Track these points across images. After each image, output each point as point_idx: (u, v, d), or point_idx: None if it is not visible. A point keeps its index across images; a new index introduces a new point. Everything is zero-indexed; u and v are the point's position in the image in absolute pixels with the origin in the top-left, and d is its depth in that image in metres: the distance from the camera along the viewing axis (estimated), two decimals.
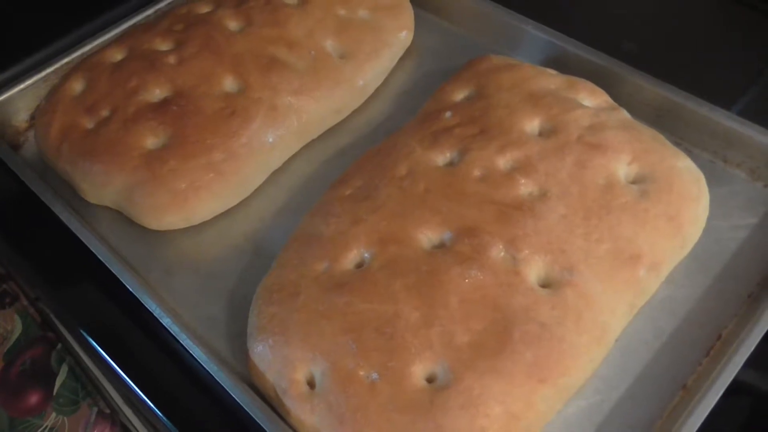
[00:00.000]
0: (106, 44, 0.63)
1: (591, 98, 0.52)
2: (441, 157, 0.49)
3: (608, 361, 0.45)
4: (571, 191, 0.45)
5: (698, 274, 0.48)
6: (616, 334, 0.44)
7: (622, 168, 0.47)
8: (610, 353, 0.44)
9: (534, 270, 0.43)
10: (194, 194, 0.52)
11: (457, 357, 0.40)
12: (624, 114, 0.51)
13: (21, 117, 0.62)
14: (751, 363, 0.42)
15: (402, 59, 0.64)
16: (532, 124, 0.50)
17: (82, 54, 0.64)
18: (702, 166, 0.50)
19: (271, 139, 0.55)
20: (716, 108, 0.54)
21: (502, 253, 0.43)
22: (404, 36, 0.63)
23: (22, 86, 0.62)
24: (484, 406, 0.38)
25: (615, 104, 0.52)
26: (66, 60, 0.63)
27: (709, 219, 0.48)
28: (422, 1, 0.68)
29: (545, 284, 0.43)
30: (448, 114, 0.51)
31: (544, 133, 0.49)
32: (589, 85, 0.53)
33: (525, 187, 0.46)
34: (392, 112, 0.61)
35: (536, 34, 0.61)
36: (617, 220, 0.44)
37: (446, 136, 0.49)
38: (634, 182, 0.47)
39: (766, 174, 0.53)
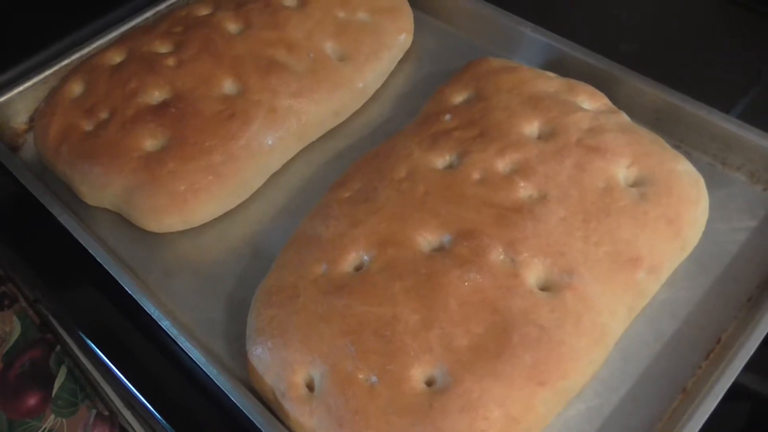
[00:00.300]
0: (105, 46, 0.63)
1: (590, 101, 0.52)
2: (440, 160, 0.49)
3: (608, 364, 0.44)
4: (570, 194, 0.45)
5: (698, 276, 0.48)
6: (616, 337, 0.44)
7: (622, 171, 0.47)
8: (610, 356, 0.44)
9: (533, 273, 0.43)
10: (193, 196, 0.52)
11: (456, 360, 0.40)
12: (623, 117, 0.51)
13: (20, 119, 0.62)
14: (750, 367, 0.42)
15: (401, 61, 0.64)
16: (531, 127, 0.50)
17: (82, 56, 0.64)
18: (701, 169, 0.50)
19: (270, 142, 0.55)
20: (715, 111, 0.53)
21: (502, 256, 0.43)
22: (403, 38, 0.63)
23: (21, 88, 0.62)
24: (483, 409, 0.38)
25: (614, 107, 0.52)
26: (65, 62, 0.63)
27: (709, 222, 0.48)
28: (421, 3, 0.68)
29: (544, 287, 0.43)
30: (447, 116, 0.51)
31: (544, 136, 0.49)
32: (589, 87, 0.53)
33: (524, 189, 0.46)
34: (391, 114, 0.61)
35: (535, 36, 0.61)
36: (616, 222, 0.44)
37: (445, 139, 0.49)
38: (633, 185, 0.47)
39: (765, 177, 0.53)
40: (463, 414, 0.38)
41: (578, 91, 0.52)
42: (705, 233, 0.48)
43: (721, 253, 0.49)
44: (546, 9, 0.67)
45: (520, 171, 0.46)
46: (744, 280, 0.48)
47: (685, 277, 0.48)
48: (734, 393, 0.41)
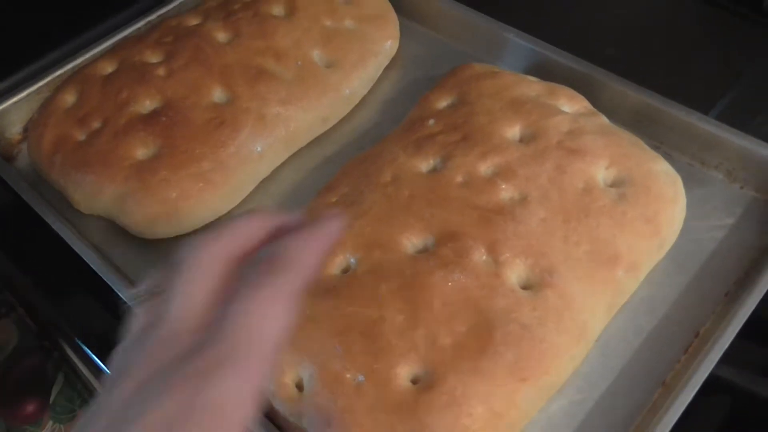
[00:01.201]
0: (97, 57, 0.64)
1: (570, 104, 0.53)
2: (424, 164, 0.50)
3: (589, 360, 0.46)
4: (550, 195, 0.46)
5: (677, 273, 0.50)
6: (597, 334, 0.45)
7: (601, 172, 0.48)
8: (591, 352, 0.46)
9: (515, 272, 0.44)
10: (185, 203, 0.53)
11: (440, 358, 0.41)
12: (603, 119, 0.52)
13: (14, 129, 0.63)
14: (728, 359, 0.43)
15: (387, 68, 0.65)
16: (513, 131, 0.51)
17: (74, 66, 0.64)
18: (680, 168, 0.51)
19: (259, 149, 0.56)
20: (693, 112, 0.55)
21: (484, 257, 0.44)
22: (389, 45, 0.65)
23: (14, 99, 0.62)
24: (467, 405, 0.40)
25: (594, 110, 0.54)
26: (58, 72, 0.64)
27: (688, 220, 0.50)
28: (407, 10, 0.69)
29: (526, 286, 0.44)
30: (431, 121, 0.53)
31: (525, 139, 0.50)
32: (569, 91, 0.54)
33: (506, 192, 0.47)
34: (378, 120, 0.62)
35: (519, 42, 0.62)
36: (596, 222, 0.46)
37: (430, 143, 0.51)
38: (612, 186, 0.48)
39: (742, 176, 0.54)
40: (447, 410, 0.39)
41: (558, 94, 0.53)
42: (684, 231, 0.49)
43: (700, 251, 0.51)
44: (531, 17, 0.68)
45: (502, 174, 0.48)
46: (721, 277, 0.49)
47: (665, 274, 0.49)
48: (714, 386, 0.43)
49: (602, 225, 0.46)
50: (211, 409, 0.27)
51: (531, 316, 0.42)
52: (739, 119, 0.56)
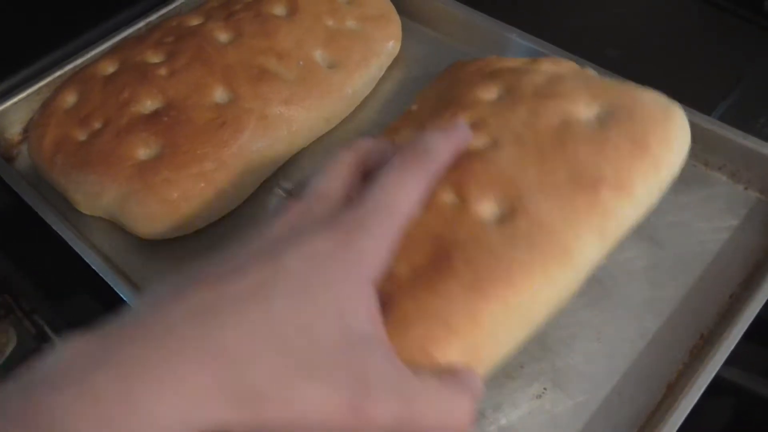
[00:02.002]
0: (98, 57, 0.64)
1: (555, 66, 0.50)
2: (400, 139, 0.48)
3: (594, 361, 0.45)
4: (524, 136, 0.43)
5: (682, 274, 0.49)
6: (588, 260, 0.41)
7: (580, 109, 0.45)
8: (596, 353, 0.45)
9: (483, 206, 0.41)
10: (187, 203, 0.53)
11: (396, 287, 0.38)
12: (590, 71, 0.50)
13: (14, 130, 0.63)
14: (733, 361, 0.43)
15: (390, 68, 0.65)
16: (489, 94, 0.48)
17: (75, 67, 0.64)
18: (685, 170, 0.50)
19: (261, 149, 0.56)
20: (696, 113, 0.54)
21: (452, 196, 0.42)
22: (392, 45, 0.64)
23: (15, 99, 0.62)
24: (420, 322, 0.36)
25: (581, 68, 0.51)
26: (58, 73, 0.64)
27: (692, 221, 0.50)
28: (410, 11, 0.69)
29: (496, 217, 0.41)
30: (413, 107, 0.52)
31: (501, 98, 0.48)
32: (554, 57, 0.52)
33: (476, 140, 0.44)
34: (380, 120, 0.62)
35: (521, 42, 0.62)
36: (573, 152, 0.42)
37: (408, 122, 0.50)
38: (594, 119, 0.45)
39: (746, 176, 0.54)
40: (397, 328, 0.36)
41: (542, 61, 0.50)
42: (689, 232, 0.49)
43: (704, 252, 0.50)
44: (531, 15, 0.68)
45: (473, 125, 0.44)
46: (726, 278, 0.49)
47: (669, 275, 0.49)
48: (720, 388, 0.42)
49: (581, 152, 0.42)
50: (357, 253, 0.32)
51: (499, 241, 0.39)
52: (742, 121, 0.56)
